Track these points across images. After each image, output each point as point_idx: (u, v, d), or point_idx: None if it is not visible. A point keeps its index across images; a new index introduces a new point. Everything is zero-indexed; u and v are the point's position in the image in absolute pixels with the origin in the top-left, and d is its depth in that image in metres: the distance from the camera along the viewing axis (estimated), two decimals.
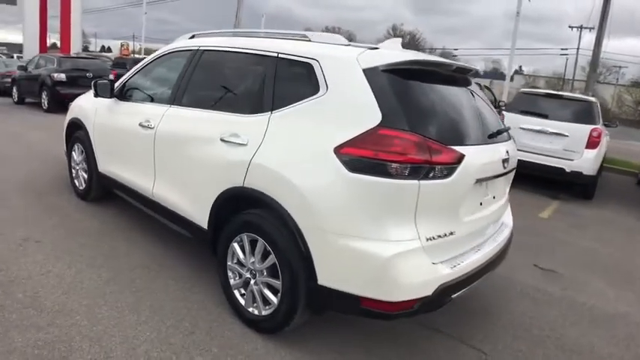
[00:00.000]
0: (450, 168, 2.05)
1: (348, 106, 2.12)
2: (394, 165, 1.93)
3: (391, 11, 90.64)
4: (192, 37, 3.35)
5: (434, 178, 2.00)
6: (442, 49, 61.00)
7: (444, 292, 2.11)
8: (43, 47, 22.23)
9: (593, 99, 7.18)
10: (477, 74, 2.86)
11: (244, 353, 2.31)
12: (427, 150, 1.97)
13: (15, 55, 25.71)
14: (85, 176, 4.30)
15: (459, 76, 2.59)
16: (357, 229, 1.99)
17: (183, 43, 3.33)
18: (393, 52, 2.30)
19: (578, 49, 38.92)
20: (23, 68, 12.52)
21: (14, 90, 12.66)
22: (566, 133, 6.56)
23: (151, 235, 3.67)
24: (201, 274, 3.08)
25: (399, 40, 2.91)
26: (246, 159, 2.36)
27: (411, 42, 60.24)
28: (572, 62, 40.99)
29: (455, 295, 2.21)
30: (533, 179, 7.63)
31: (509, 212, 3.10)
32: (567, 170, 6.54)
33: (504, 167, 2.49)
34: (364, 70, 2.11)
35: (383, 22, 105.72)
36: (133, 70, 3.75)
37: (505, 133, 2.79)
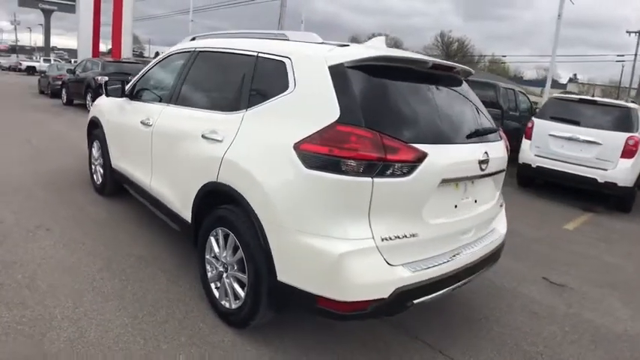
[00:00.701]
0: (409, 166, 2.01)
1: (311, 103, 2.14)
2: (347, 161, 1.92)
3: (440, 18, 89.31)
4: (193, 38, 3.51)
5: (391, 176, 1.97)
6: (492, 55, 59.22)
7: (403, 297, 2.05)
8: (96, 52, 23.77)
9: (632, 105, 6.71)
10: (465, 73, 2.78)
11: (210, 344, 2.38)
12: (382, 147, 1.94)
13: (72, 60, 27.65)
14: (102, 171, 4.58)
15: (442, 74, 2.53)
16: (312, 226, 2.00)
17: (185, 44, 3.50)
18: (361, 49, 2.29)
19: (635, 55, 36.23)
20: (72, 72, 13.49)
21: (63, 92, 13.66)
22: (600, 141, 6.17)
23: (154, 229, 3.85)
24: (189, 268, 3.20)
25: (383, 38, 2.92)
26: (220, 155, 2.45)
27: (459, 49, 59.01)
28: (629, 69, 38.26)
29: (418, 301, 2.14)
30: (564, 189, 7.26)
31: (502, 218, 2.98)
32: (600, 181, 6.15)
33: (482, 169, 2.39)
34: (330, 67, 2.12)
35: (431, 28, 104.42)
36: (142, 70, 3.97)
37: (493, 134, 2.70)
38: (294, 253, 2.07)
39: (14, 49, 63.39)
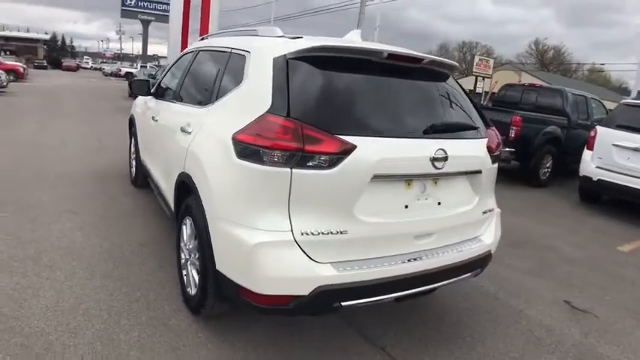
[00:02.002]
0: (333, 158, 1.95)
1: (254, 94, 2.18)
2: (266, 151, 1.94)
3: (538, 25, 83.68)
4: (202, 38, 3.76)
5: (313, 167, 1.94)
6: (591, 64, 54.23)
7: (326, 297, 2.00)
8: None
9: None
10: (444, 66, 2.58)
11: (166, 326, 2.53)
12: (301, 137, 1.92)
13: None
14: (134, 164, 5.06)
15: (409, 66, 2.40)
16: (237, 216, 2.05)
17: (194, 44, 3.77)
18: (306, 40, 2.27)
19: None
20: (152, 76, 14.93)
21: None
22: None
23: (164, 219, 4.15)
24: None
25: (359, 32, 2.87)
26: (187, 146, 2.61)
27: (555, 57, 54.90)
28: None
29: (347, 303, 2.06)
30: (634, 207, 6.41)
31: (489, 226, 2.74)
32: None
33: (436, 167, 2.23)
34: (273, 59, 2.16)
35: (527, 36, 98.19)
36: (165, 69, 4.34)
37: (468, 132, 2.52)
38: (224, 242, 2.13)
39: (119, 57, 71.57)
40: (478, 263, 2.58)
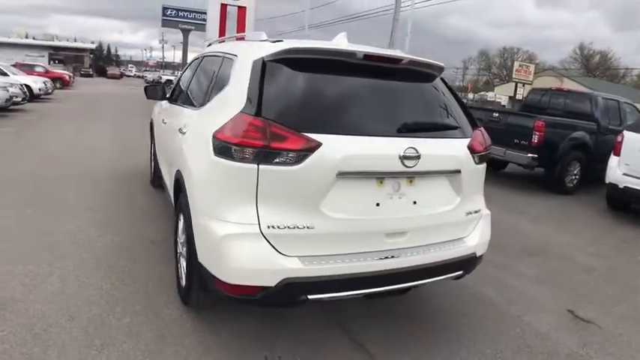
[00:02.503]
0: (298, 155, 2.04)
1: (235, 95, 2.30)
2: (236, 148, 2.06)
3: (585, 29, 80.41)
4: (209, 44, 3.97)
5: (279, 164, 2.04)
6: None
7: (293, 289, 2.08)
8: None
9: None
10: (428, 67, 2.60)
11: (158, 315, 2.69)
12: (268, 135, 2.03)
13: None
14: (153, 165, 5.34)
15: (386, 66, 2.45)
16: (212, 209, 2.18)
17: (203, 50, 3.98)
18: (284, 43, 2.37)
19: None
20: None
21: None
22: None
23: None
24: None
25: (345, 34, 2.96)
26: (181, 145, 2.79)
27: (602, 61, 52.63)
28: None
29: (314, 297, 2.13)
30: None
31: (475, 228, 2.73)
32: None
33: (406, 166, 2.25)
34: (253, 62, 2.29)
35: (573, 41, 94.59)
36: (179, 75, 4.59)
37: (447, 131, 2.55)
38: (202, 234, 2.27)
39: (161, 65, 74.59)
40: (460, 265, 2.57)
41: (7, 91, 11.50)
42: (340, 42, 2.83)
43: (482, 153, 2.65)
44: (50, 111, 13.78)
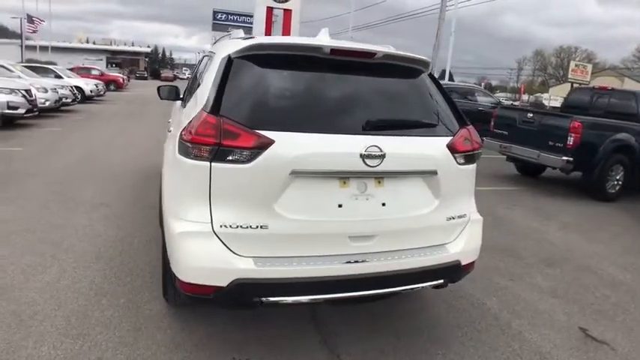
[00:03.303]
0: (250, 153, 2.01)
1: (202, 94, 2.30)
2: (191, 146, 2.06)
3: None
4: (215, 43, 4.05)
5: (231, 162, 2.02)
6: None
7: (245, 290, 2.05)
8: None
9: None
10: (405, 60, 2.47)
11: (139, 310, 2.77)
12: (220, 132, 2.00)
13: None
14: None
15: (360, 61, 2.35)
16: (173, 208, 2.20)
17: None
18: (252, 40, 2.34)
19: None
20: None
21: None
22: None
23: None
24: None
25: (326, 29, 2.90)
26: (164, 147, 2.86)
27: None
28: None
29: (268, 299, 2.08)
30: None
31: (460, 235, 2.56)
32: None
33: (369, 165, 2.14)
34: (221, 59, 2.29)
35: (638, 38, 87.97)
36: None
37: (428, 129, 2.41)
38: (166, 232, 2.30)
39: None
40: (440, 273, 2.43)
41: (57, 92, 12.36)
42: (322, 38, 2.78)
43: (468, 153, 2.49)
44: (98, 112, 14.67)
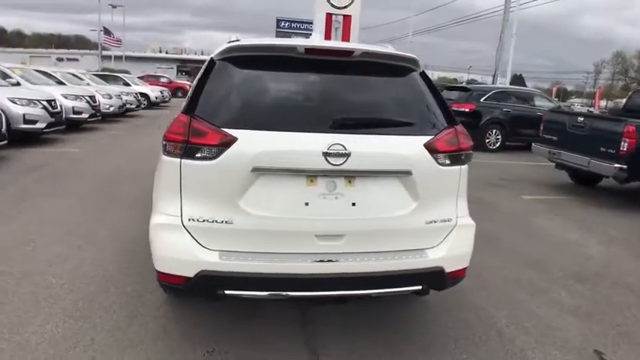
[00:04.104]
0: (215, 150, 2.12)
1: (189, 95, 2.46)
2: (164, 143, 2.23)
3: None
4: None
5: (199, 159, 2.13)
6: None
7: (209, 282, 2.15)
8: None
9: None
10: (388, 58, 2.46)
11: (141, 298, 2.97)
12: (189, 130, 2.14)
13: None
14: None
15: (339, 60, 2.38)
16: (154, 202, 2.38)
17: None
18: (234, 42, 2.43)
19: None
20: None
21: None
22: None
23: None
24: None
25: (319, 32, 2.94)
26: None
27: None
28: None
29: (231, 292, 2.16)
30: None
31: (444, 241, 2.46)
32: None
33: (332, 163, 2.15)
34: (207, 62, 2.43)
35: None
36: None
37: (404, 127, 2.38)
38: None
39: None
40: (418, 279, 2.37)
41: (121, 99, 13.46)
42: (316, 39, 2.82)
43: (453, 153, 2.40)
44: (159, 116, 15.72)
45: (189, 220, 2.18)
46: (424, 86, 2.54)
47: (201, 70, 2.43)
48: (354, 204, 2.28)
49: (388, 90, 2.52)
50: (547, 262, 4.25)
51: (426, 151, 2.34)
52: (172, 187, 2.21)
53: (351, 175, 2.26)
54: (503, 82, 19.40)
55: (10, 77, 9.38)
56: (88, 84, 13.42)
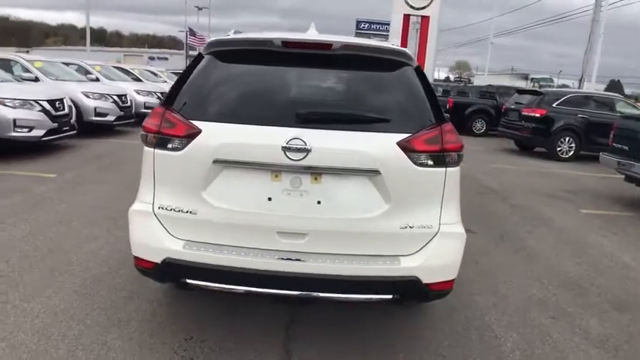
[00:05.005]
0: (182, 141, 2.19)
1: (170, 87, 2.54)
2: (142, 133, 2.33)
3: None
4: None
5: (169, 149, 2.22)
6: None
7: (173, 270, 2.22)
8: None
9: None
10: (374, 50, 2.37)
11: (143, 282, 3.12)
12: (161, 122, 2.23)
13: None
14: None
15: (315, 53, 2.32)
16: (138, 191, 2.48)
17: None
18: (220, 37, 2.50)
19: None
20: None
21: None
22: None
23: None
24: None
25: (313, 24, 2.90)
26: None
27: None
28: None
29: (193, 282, 2.22)
30: None
31: (422, 249, 2.29)
32: None
33: (290, 159, 2.13)
34: (196, 56, 2.50)
35: None
36: None
37: (378, 124, 2.27)
38: None
39: None
40: (389, 288, 2.24)
41: None
42: (311, 32, 2.79)
43: (434, 153, 2.25)
44: None
45: (159, 208, 2.28)
46: (414, 82, 2.39)
47: (189, 64, 2.52)
48: (319, 202, 2.22)
49: (370, 85, 2.42)
50: (586, 285, 3.82)
51: (399, 149, 2.20)
52: (148, 176, 2.33)
53: (317, 172, 2.20)
54: (597, 88, 17.68)
55: (90, 73, 10.43)
56: (165, 81, 14.47)
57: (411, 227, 2.27)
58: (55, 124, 7.01)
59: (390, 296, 2.26)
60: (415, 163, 2.22)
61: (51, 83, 8.43)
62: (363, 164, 2.19)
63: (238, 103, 2.34)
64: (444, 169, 2.28)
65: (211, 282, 2.23)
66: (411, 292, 2.32)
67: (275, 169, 2.20)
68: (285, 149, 2.13)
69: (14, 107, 6.47)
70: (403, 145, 2.21)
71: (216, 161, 2.19)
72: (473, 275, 3.76)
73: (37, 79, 8.36)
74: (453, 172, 2.32)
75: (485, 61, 37.62)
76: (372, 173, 2.20)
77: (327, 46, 2.29)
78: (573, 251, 4.58)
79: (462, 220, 2.46)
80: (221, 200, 2.22)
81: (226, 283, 2.22)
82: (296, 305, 2.98)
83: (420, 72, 2.45)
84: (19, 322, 2.60)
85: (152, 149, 2.28)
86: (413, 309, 3.12)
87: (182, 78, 2.39)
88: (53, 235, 3.89)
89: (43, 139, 6.85)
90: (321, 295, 2.23)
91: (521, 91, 13.38)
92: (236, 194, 2.23)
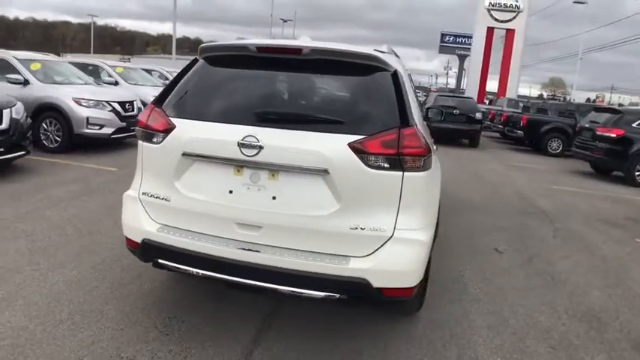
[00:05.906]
0: (160, 135, 2.50)
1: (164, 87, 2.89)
2: (137, 127, 2.67)
3: None
4: None
5: (153, 142, 2.54)
6: None
7: (149, 250, 2.50)
8: (482, 91, 25.51)
9: None
10: (341, 55, 2.45)
11: (146, 270, 3.40)
12: (148, 117, 2.56)
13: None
14: None
15: (287, 58, 2.52)
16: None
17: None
18: (211, 43, 2.79)
19: None
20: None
21: None
22: None
23: None
24: None
25: (304, 35, 3.10)
26: None
27: None
28: None
29: (163, 262, 2.47)
30: None
31: (376, 253, 2.30)
32: None
33: (244, 154, 2.31)
34: (192, 60, 2.80)
35: None
36: None
37: (333, 125, 2.37)
38: None
39: (443, 91, 78.18)
40: (336, 287, 2.29)
41: None
42: (304, 40, 2.95)
43: (390, 156, 2.27)
44: None
45: (143, 194, 2.61)
46: (383, 86, 2.45)
47: (184, 66, 2.83)
48: (274, 197, 2.37)
49: (335, 88, 2.59)
50: (609, 319, 3.46)
51: (350, 150, 2.26)
52: (139, 165, 2.69)
53: (274, 169, 2.36)
54: None
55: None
56: None
57: (362, 229, 2.30)
58: (124, 124, 7.85)
59: (337, 295, 2.31)
60: (367, 164, 2.27)
61: (127, 87, 9.41)
62: (314, 163, 2.29)
63: (210, 103, 2.62)
64: (400, 172, 2.29)
65: (178, 264, 2.48)
66: (359, 294, 2.36)
67: (237, 165, 2.40)
68: (240, 145, 2.32)
69: (88, 107, 7.37)
70: (354, 147, 2.27)
71: (184, 154, 2.46)
72: (479, 294, 3.63)
73: (116, 83, 9.40)
74: (415, 176, 2.32)
75: (583, 79, 34.80)
76: (323, 173, 2.29)
77: (298, 50, 2.45)
78: (608, 282, 4.20)
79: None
80: (191, 190, 2.48)
81: (190, 266, 2.44)
82: (279, 298, 3.09)
83: (395, 77, 2.48)
84: (39, 287, 3.09)
85: (141, 142, 2.64)
86: (402, 319, 3.09)
87: (175, 79, 2.74)
88: (94, 220, 4.45)
89: (112, 136, 7.70)
90: (272, 286, 2.34)
91: (598, 109, 12.31)
92: (203, 185, 2.47)
